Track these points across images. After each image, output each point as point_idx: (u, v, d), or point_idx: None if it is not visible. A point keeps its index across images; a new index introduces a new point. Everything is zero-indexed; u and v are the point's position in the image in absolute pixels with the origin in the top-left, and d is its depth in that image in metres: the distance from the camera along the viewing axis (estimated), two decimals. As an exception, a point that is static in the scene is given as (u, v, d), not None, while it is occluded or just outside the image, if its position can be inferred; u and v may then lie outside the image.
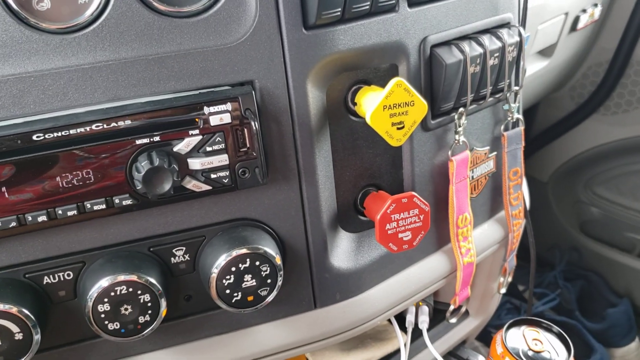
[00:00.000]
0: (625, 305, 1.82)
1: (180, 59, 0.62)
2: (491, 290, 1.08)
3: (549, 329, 0.90)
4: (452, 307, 0.95)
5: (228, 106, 0.62)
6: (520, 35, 0.84)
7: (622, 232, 1.87)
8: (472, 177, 0.88)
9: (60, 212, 0.60)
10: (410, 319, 0.97)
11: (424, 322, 0.96)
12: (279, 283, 0.69)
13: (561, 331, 0.89)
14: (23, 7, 0.57)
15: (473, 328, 1.12)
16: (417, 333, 0.98)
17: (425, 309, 0.98)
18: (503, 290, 1.09)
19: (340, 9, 0.65)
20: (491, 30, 0.82)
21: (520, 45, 0.85)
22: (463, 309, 1.00)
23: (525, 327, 0.91)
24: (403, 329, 0.98)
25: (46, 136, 0.58)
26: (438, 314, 1.04)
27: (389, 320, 1.00)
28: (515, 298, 1.88)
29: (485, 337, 1.45)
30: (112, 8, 0.59)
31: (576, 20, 1.45)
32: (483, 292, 1.07)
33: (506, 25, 0.85)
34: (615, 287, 1.91)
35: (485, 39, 0.79)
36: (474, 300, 1.07)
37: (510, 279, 1.07)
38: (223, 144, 0.63)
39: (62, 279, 0.65)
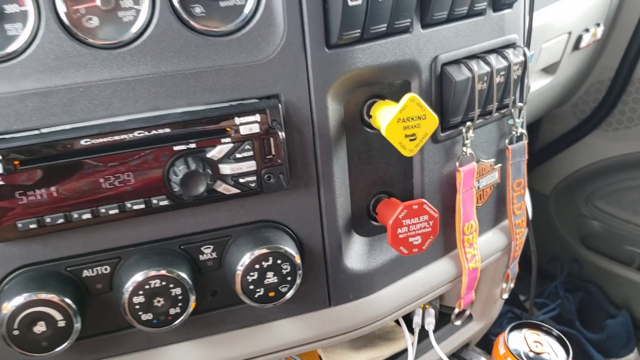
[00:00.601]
0: (624, 317, 1.86)
1: (214, 74, 0.68)
2: (494, 296, 1.13)
3: (549, 333, 0.95)
4: (457, 310, 1.00)
5: (257, 117, 0.68)
6: (524, 55, 0.90)
7: (622, 245, 1.91)
8: (478, 187, 0.94)
9: (103, 210, 0.66)
10: (417, 320, 1.02)
11: (430, 324, 1.02)
12: (298, 281, 0.74)
13: (560, 334, 0.94)
14: (74, 24, 0.63)
15: (476, 331, 1.17)
16: (422, 334, 1.03)
17: (431, 312, 1.03)
18: (505, 296, 1.14)
19: (359, 30, 0.71)
20: (498, 50, 0.88)
21: (524, 65, 0.91)
22: (467, 312, 1.05)
23: (526, 330, 0.96)
24: (410, 330, 1.03)
25: (93, 141, 0.64)
26: (443, 317, 1.09)
27: (397, 322, 1.06)
28: (517, 307, 1.93)
29: (486, 344, 1.49)
30: (154, 27, 0.65)
31: (579, 39, 1.51)
32: (486, 297, 1.12)
33: (512, 45, 0.91)
34: (614, 298, 1.96)
35: (492, 59, 0.85)
36: (478, 305, 1.12)
37: (512, 285, 1.12)
38: (251, 152, 0.69)
39: (100, 272, 0.70)
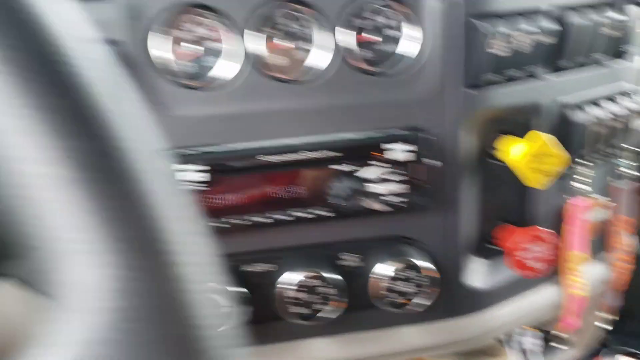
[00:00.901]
0: None
1: (372, 107, 0.80)
2: (593, 326, 1.19)
3: (646, 362, 1.01)
4: (558, 334, 1.06)
5: (406, 146, 0.80)
6: (637, 103, 0.98)
7: None
8: (587, 220, 1.01)
9: (276, 216, 0.78)
10: (523, 340, 1.09)
11: (535, 345, 1.09)
12: (427, 291, 0.84)
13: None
14: (263, 60, 0.77)
15: (571, 358, 1.22)
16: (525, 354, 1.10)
17: (535, 333, 1.10)
18: (605, 326, 1.19)
19: (497, 75, 0.82)
20: (613, 96, 0.96)
21: (636, 112, 0.98)
22: (567, 337, 1.11)
23: (619, 357, 1.02)
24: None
25: (267, 158, 0.77)
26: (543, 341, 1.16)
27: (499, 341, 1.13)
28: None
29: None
30: (327, 67, 0.79)
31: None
32: (585, 326, 1.18)
33: (625, 93, 0.98)
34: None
35: (608, 104, 0.94)
36: (577, 332, 1.18)
37: (613, 317, 1.17)
38: (399, 175, 0.80)
39: (262, 269, 0.83)
